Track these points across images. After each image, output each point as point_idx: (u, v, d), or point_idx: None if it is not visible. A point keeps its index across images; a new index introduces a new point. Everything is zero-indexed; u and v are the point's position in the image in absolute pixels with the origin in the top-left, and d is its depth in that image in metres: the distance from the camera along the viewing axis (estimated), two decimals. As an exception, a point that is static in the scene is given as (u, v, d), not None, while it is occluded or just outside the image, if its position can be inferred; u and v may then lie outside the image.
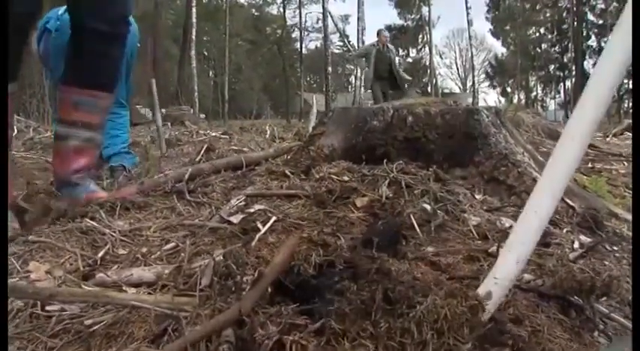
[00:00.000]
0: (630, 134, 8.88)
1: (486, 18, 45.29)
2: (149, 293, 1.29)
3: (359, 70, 14.06)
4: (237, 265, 1.27)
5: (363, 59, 12.17)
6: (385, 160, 2.13)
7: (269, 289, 1.16)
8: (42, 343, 1.13)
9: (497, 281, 1.04)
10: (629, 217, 2.23)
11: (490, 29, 46.33)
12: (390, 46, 12.20)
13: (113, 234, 1.70)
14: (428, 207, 1.81)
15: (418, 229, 1.69)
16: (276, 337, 0.89)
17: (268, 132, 7.21)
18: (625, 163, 4.71)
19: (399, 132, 2.26)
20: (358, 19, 13.78)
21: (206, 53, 43.45)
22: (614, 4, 32.63)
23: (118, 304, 1.19)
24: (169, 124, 9.35)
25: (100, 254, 1.56)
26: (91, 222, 1.78)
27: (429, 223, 1.74)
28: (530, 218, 1.06)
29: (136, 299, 1.19)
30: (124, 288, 1.35)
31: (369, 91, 12.09)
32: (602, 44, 37.64)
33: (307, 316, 1.07)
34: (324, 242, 1.46)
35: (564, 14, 40.91)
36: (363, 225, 1.70)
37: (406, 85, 12.98)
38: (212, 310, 1.06)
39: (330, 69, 13.37)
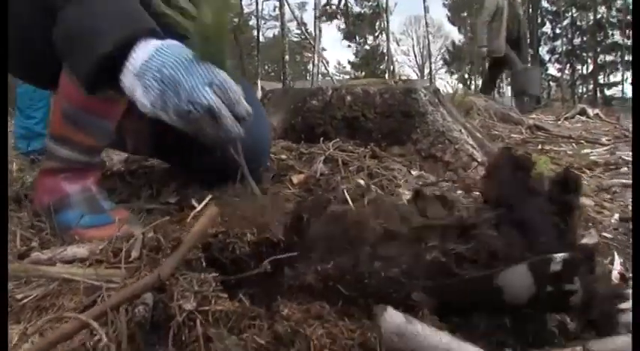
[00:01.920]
0: (582, 118, 9.14)
1: (443, 4, 45.51)
2: (80, 267, 1.31)
3: (316, 57, 13.75)
4: (166, 239, 1.30)
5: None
6: (323, 139, 2.17)
7: (204, 264, 1.19)
8: (-28, 319, 1.14)
9: None
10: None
11: (447, 16, 46.60)
12: None
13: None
14: (362, 182, 1.86)
15: (351, 203, 1.74)
16: (194, 306, 0.92)
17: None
18: (574, 145, 4.86)
19: (337, 111, 2.30)
20: (315, 6, 13.71)
21: (163, 42, 42.86)
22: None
23: (49, 277, 1.21)
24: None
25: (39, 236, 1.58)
26: (30, 204, 1.79)
27: (362, 197, 1.79)
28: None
29: (66, 272, 1.22)
30: (57, 265, 1.37)
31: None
32: (557, 31, 38.33)
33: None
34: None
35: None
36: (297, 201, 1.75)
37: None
38: (138, 280, 1.09)
39: (287, 57, 13.26)
